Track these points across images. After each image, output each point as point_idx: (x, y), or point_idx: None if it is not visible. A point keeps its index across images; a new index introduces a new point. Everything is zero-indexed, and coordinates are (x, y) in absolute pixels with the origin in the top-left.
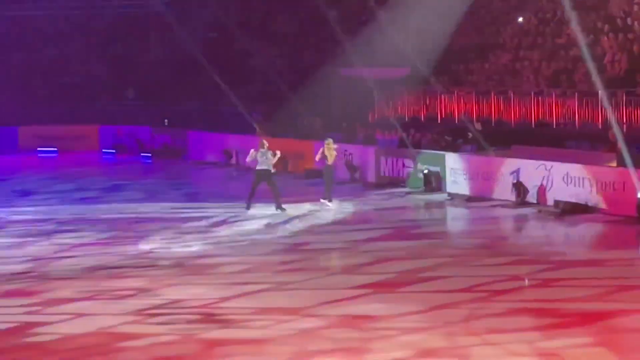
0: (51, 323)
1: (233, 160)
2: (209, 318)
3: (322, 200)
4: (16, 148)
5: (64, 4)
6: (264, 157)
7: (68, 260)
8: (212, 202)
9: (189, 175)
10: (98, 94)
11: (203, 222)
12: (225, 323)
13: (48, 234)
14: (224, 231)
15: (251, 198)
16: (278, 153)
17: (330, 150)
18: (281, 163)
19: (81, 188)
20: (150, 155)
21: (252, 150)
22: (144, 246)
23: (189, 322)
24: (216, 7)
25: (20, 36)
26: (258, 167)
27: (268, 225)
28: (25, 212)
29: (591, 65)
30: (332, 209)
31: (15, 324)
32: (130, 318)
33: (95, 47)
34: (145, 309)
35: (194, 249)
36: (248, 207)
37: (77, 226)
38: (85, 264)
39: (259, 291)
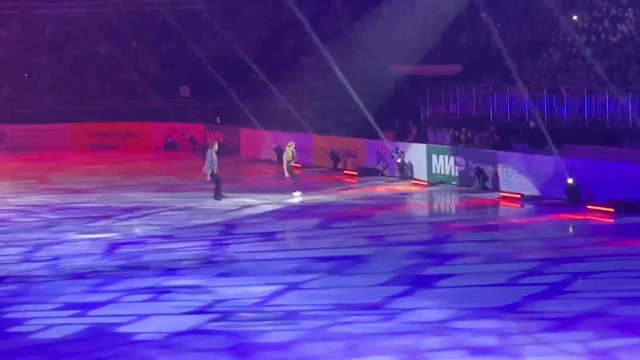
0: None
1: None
2: (264, 315)
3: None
4: (69, 145)
5: (117, 2)
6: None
7: (118, 257)
8: (265, 198)
9: (240, 172)
10: (151, 92)
11: (256, 220)
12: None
13: (106, 230)
14: (273, 226)
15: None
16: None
17: (290, 150)
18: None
19: (140, 184)
20: (203, 152)
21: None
22: (196, 243)
23: (243, 319)
24: (268, 4)
25: (74, 34)
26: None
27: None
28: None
29: None
30: (299, 198)
31: (86, 325)
32: (186, 315)
33: (148, 44)
34: (200, 306)
35: (245, 246)
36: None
37: (132, 223)
38: (140, 260)
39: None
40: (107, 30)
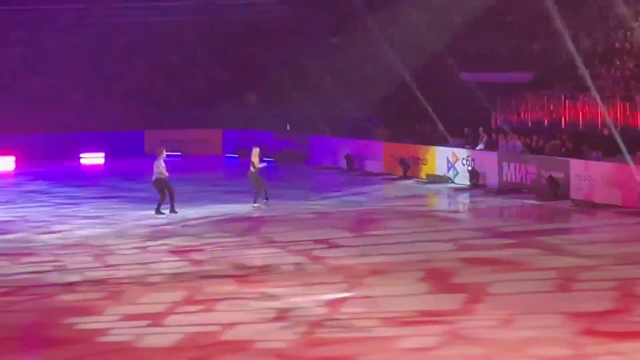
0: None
1: (355, 165)
2: (333, 322)
3: (253, 205)
4: (142, 152)
5: (188, 10)
6: (159, 166)
7: (195, 262)
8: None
9: (310, 179)
10: (221, 99)
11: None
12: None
13: (171, 235)
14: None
15: (172, 201)
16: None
17: (255, 157)
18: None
19: (206, 191)
20: (272, 159)
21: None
22: (263, 250)
23: (313, 325)
24: (338, 12)
25: (145, 42)
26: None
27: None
28: (147, 216)
29: None
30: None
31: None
32: (255, 321)
33: (218, 52)
34: (269, 313)
35: (315, 253)
36: (164, 211)
37: (202, 228)
38: (210, 266)
39: (382, 296)
40: (178, 38)
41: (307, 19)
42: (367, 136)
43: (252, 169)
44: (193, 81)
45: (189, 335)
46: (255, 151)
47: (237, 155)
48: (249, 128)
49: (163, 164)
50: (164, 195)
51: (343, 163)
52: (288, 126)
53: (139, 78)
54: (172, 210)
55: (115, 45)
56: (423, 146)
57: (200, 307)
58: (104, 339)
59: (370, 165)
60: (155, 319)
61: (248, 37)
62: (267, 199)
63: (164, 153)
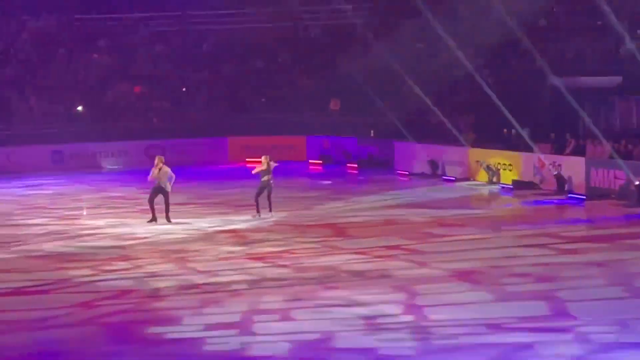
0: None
1: (439, 171)
2: (418, 329)
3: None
4: (226, 159)
5: (271, 17)
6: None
7: (277, 269)
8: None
9: (393, 185)
10: (304, 105)
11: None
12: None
13: (259, 241)
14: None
15: (153, 211)
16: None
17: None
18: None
19: (292, 197)
20: (356, 165)
21: (152, 169)
22: (348, 256)
23: (394, 332)
24: (423, 18)
25: (229, 49)
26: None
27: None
28: (237, 221)
29: None
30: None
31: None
32: (337, 327)
33: (302, 59)
34: (350, 319)
35: (396, 261)
36: (153, 220)
37: (286, 235)
38: (293, 272)
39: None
40: (261, 45)
41: (391, 24)
42: (451, 142)
43: (266, 177)
44: (277, 88)
45: (294, 343)
46: (266, 159)
47: (321, 161)
48: (332, 134)
49: (157, 173)
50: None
51: (427, 169)
52: (372, 132)
53: (223, 85)
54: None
55: (200, 53)
56: (509, 151)
57: (286, 314)
58: (206, 347)
59: (455, 171)
60: (244, 327)
61: (332, 43)
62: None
63: (161, 161)
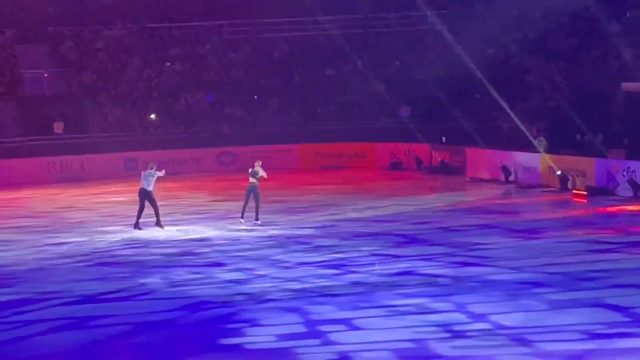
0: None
1: (512, 177)
2: (488, 334)
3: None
4: (297, 166)
5: (342, 23)
6: (148, 177)
7: (350, 275)
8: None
9: (466, 193)
10: (376, 112)
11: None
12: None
13: (330, 246)
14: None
15: (139, 217)
16: (162, 172)
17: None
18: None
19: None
20: (428, 172)
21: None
22: (421, 263)
23: (468, 338)
24: (494, 24)
25: (302, 55)
26: (140, 187)
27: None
28: (306, 226)
29: None
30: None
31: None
32: (407, 334)
33: (373, 65)
34: (422, 326)
35: (470, 267)
36: (136, 226)
37: (357, 241)
38: (364, 278)
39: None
40: (333, 52)
41: (461, 30)
42: (524, 147)
43: (253, 181)
44: (348, 94)
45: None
46: (259, 164)
47: (392, 168)
48: (404, 141)
49: (153, 176)
50: (144, 208)
51: (499, 175)
52: (444, 138)
53: (294, 92)
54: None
55: (271, 60)
56: (582, 157)
57: (363, 321)
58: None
59: (527, 177)
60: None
61: (403, 50)
62: (242, 217)
63: (155, 167)
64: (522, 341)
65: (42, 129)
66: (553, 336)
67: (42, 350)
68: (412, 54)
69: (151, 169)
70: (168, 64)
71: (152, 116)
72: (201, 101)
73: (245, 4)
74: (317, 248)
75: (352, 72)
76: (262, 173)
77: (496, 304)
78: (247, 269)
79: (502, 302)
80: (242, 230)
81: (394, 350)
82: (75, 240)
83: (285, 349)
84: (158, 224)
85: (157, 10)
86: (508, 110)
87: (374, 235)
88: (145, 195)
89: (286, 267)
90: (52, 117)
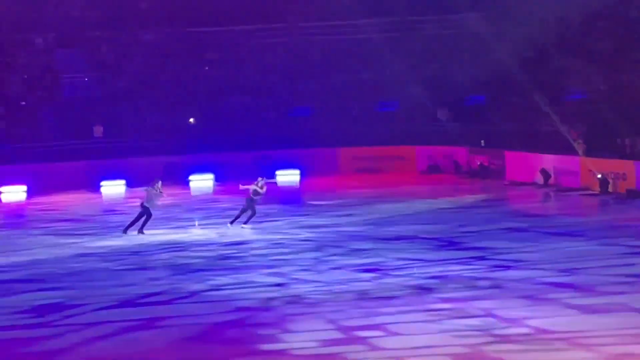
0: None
1: (551, 180)
2: (529, 339)
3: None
4: (336, 169)
5: (379, 27)
6: (153, 195)
7: (390, 278)
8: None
9: (505, 196)
10: (414, 115)
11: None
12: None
13: (368, 250)
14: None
15: (131, 225)
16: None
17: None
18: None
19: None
20: (466, 175)
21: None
22: (459, 267)
23: (509, 343)
24: (532, 26)
25: (339, 59)
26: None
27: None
28: (345, 231)
29: None
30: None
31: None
32: (449, 338)
33: (410, 68)
34: (461, 330)
35: (512, 271)
36: (125, 231)
37: (394, 245)
38: (402, 282)
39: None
40: (370, 55)
41: (500, 32)
42: (563, 151)
43: (254, 196)
44: (385, 97)
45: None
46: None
47: (430, 172)
48: (442, 144)
49: (157, 193)
50: (141, 217)
51: (539, 178)
52: (482, 142)
53: (332, 96)
54: (141, 231)
55: (309, 64)
56: (623, 160)
57: (406, 326)
58: None
59: (567, 181)
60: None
61: (440, 52)
62: (231, 223)
63: (159, 184)
64: (571, 344)
65: (81, 132)
66: (597, 340)
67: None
68: (450, 56)
69: (155, 184)
70: (206, 68)
71: (191, 120)
72: (239, 105)
73: (282, 7)
74: (355, 251)
75: (390, 75)
76: (261, 191)
77: (532, 308)
78: (286, 273)
79: (538, 305)
80: (281, 232)
81: (442, 356)
82: (114, 244)
83: (333, 354)
84: (127, 230)
85: (194, 14)
86: (547, 113)
87: (411, 238)
88: (145, 210)
89: (324, 271)
90: (91, 121)
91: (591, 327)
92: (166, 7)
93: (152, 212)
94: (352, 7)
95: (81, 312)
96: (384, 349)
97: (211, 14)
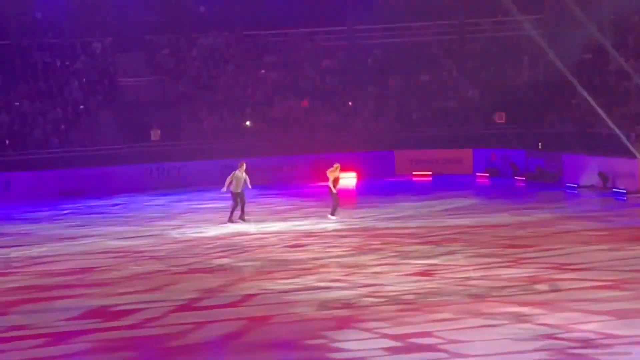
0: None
1: (609, 184)
2: (590, 344)
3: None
4: (393, 172)
5: (438, 30)
6: (240, 179)
7: (444, 281)
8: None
9: (563, 199)
10: (471, 118)
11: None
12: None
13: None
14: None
15: (231, 215)
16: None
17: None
18: None
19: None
20: (524, 178)
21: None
22: (512, 270)
23: (569, 348)
24: (591, 28)
25: (396, 62)
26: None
27: None
28: (401, 233)
29: None
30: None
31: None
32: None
33: (468, 71)
34: (520, 336)
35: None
36: (230, 220)
37: (450, 248)
38: (458, 285)
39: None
40: (428, 58)
41: (557, 34)
42: (622, 153)
43: (333, 190)
44: (442, 100)
45: None
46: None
47: (488, 174)
48: (499, 147)
49: (242, 175)
50: (236, 204)
51: (597, 181)
52: (540, 144)
53: (389, 98)
54: (242, 218)
55: (366, 67)
56: None
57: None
58: None
59: (626, 183)
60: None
61: (498, 55)
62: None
63: (244, 166)
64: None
65: (139, 136)
66: None
67: None
68: (507, 59)
69: (241, 168)
70: (263, 71)
71: (248, 123)
72: (296, 108)
73: (340, 10)
74: (411, 253)
75: (447, 77)
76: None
77: (591, 314)
78: (341, 277)
79: (597, 311)
80: (336, 238)
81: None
82: (171, 247)
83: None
84: (242, 217)
85: (251, 17)
86: (605, 116)
87: (467, 242)
88: (238, 195)
89: (380, 273)
90: (149, 125)
91: None
92: (224, 10)
93: (244, 198)
94: (410, 10)
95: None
96: (463, 356)
97: (269, 17)
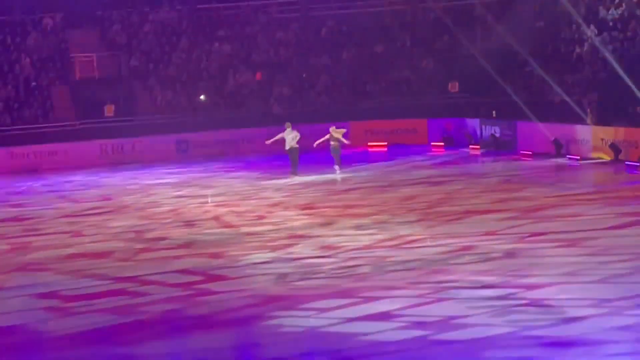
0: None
1: (563, 150)
2: (547, 310)
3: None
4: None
5: (391, 0)
6: (290, 136)
7: (401, 251)
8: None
9: (517, 167)
10: (425, 88)
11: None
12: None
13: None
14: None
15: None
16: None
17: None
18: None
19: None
20: (479, 147)
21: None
22: (475, 238)
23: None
24: None
25: (348, 34)
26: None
27: None
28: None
29: None
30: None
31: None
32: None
33: (421, 42)
34: (480, 300)
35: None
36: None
37: (406, 217)
38: (419, 255)
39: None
40: (381, 29)
41: (511, 3)
42: (575, 120)
43: (333, 142)
44: (397, 71)
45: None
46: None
47: (443, 144)
48: (454, 116)
49: (293, 134)
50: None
51: (551, 148)
52: (494, 113)
53: (343, 70)
54: (294, 173)
55: (320, 38)
56: (634, 128)
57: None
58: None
59: (579, 150)
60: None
61: (452, 25)
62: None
63: (290, 126)
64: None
65: (93, 112)
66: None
67: None
68: (461, 29)
69: (288, 127)
70: (216, 44)
71: (202, 97)
72: (250, 81)
73: None
74: (367, 224)
75: (401, 48)
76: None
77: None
78: (297, 250)
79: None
80: (294, 210)
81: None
82: (129, 223)
83: (351, 333)
84: (294, 173)
85: None
86: (557, 83)
87: (423, 211)
88: (289, 152)
89: (336, 245)
90: (102, 101)
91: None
92: None
93: (297, 154)
94: None
95: None
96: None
97: None
